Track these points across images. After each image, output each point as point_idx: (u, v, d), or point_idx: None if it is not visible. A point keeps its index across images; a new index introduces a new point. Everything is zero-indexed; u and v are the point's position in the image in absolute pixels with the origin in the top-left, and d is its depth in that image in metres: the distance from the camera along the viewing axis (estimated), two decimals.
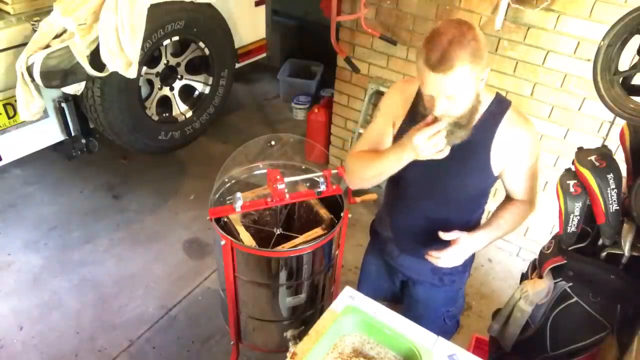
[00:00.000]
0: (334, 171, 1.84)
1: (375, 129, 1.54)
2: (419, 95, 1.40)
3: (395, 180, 1.59)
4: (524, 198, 1.53)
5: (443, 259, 1.45)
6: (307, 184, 1.98)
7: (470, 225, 1.58)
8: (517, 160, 1.43)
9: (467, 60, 1.18)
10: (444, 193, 1.50)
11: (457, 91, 1.23)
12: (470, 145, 1.38)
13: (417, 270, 1.66)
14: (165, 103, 2.95)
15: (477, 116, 1.37)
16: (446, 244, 1.46)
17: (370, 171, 1.46)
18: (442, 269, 1.53)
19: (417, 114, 1.40)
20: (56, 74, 2.13)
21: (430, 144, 1.26)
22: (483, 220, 1.64)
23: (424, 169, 1.40)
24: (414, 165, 1.38)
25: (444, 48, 1.17)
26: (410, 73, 2.93)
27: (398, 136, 1.48)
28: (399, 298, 1.81)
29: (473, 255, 1.65)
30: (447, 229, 1.51)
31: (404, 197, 1.58)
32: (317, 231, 1.79)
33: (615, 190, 1.34)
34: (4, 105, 2.28)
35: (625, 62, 1.39)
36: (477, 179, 1.47)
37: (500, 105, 1.40)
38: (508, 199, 1.58)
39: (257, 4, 3.32)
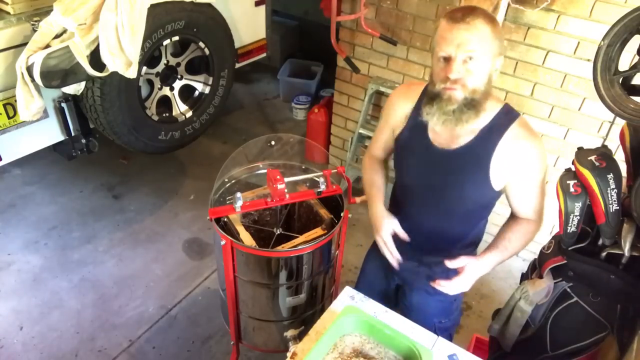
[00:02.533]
0: (333, 171, 1.84)
1: (380, 133, 1.64)
2: (419, 102, 1.42)
3: (397, 188, 1.62)
4: (529, 217, 1.46)
5: (451, 286, 1.41)
6: (307, 184, 1.98)
7: (471, 237, 1.56)
8: (522, 176, 1.38)
9: (488, 22, 1.22)
10: (443, 204, 1.48)
11: (476, 51, 1.21)
12: (470, 155, 1.36)
13: (413, 276, 1.64)
14: (165, 103, 2.94)
15: (482, 122, 1.34)
16: (448, 255, 1.45)
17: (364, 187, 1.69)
18: (438, 276, 1.52)
19: (417, 124, 1.43)
20: (56, 74, 2.12)
21: (385, 249, 1.50)
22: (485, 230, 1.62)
23: (424, 176, 1.47)
24: (414, 171, 1.50)
25: (467, 7, 1.25)
26: (410, 73, 2.94)
27: (398, 144, 1.53)
28: (391, 300, 1.78)
29: None
30: (447, 240, 1.53)
31: (405, 206, 1.58)
32: (317, 231, 1.79)
33: (615, 190, 1.34)
34: (4, 105, 2.27)
35: (625, 62, 1.39)
36: (475, 193, 1.42)
37: (506, 117, 1.35)
38: (513, 217, 1.51)
39: (257, 4, 3.32)
